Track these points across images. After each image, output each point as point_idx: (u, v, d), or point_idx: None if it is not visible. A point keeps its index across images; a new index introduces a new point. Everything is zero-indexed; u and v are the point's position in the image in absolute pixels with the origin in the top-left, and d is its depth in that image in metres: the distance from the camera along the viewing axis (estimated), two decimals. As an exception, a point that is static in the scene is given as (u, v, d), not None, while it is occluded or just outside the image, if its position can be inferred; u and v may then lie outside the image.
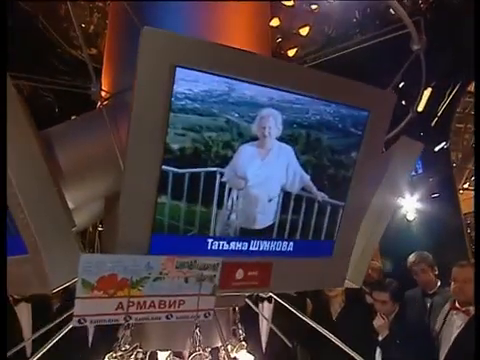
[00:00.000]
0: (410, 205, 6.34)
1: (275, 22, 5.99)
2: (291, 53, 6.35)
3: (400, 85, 5.65)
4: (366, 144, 1.64)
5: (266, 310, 3.80)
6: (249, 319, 2.92)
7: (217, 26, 1.87)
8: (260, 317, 3.66)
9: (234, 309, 1.95)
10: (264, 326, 3.79)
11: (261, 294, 3.57)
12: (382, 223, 1.99)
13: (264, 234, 1.58)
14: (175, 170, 1.38)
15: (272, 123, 1.46)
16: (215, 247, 1.50)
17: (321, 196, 1.62)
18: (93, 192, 1.86)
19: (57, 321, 1.93)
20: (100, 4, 5.40)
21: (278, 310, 3.61)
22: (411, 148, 2.08)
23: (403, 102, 5.79)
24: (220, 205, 1.48)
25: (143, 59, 1.25)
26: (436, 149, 6.90)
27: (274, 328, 3.08)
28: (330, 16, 6.04)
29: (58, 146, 1.67)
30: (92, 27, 5.53)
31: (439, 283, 3.64)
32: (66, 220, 1.45)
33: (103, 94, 2.22)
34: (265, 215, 1.56)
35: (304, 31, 6.26)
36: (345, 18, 6.03)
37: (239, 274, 1.55)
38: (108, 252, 1.45)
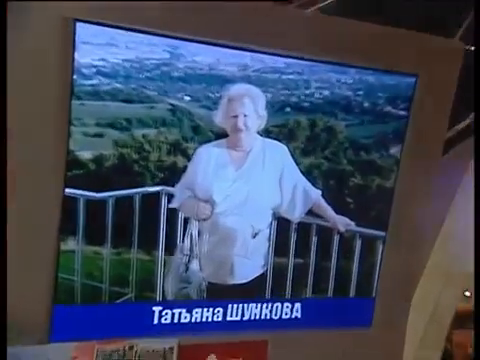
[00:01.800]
0: None
1: None
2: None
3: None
4: (417, 131, 1.59)
5: None
6: None
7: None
8: None
9: None
10: None
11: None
12: (465, 259, 1.90)
13: (250, 292, 1.52)
14: (89, 194, 1.34)
15: (248, 108, 1.41)
16: (166, 319, 1.45)
17: (344, 223, 1.57)
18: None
19: None
20: None
21: None
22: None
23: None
24: (170, 248, 1.43)
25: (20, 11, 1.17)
26: None
27: None
28: None
29: None
30: None
31: None
32: None
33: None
34: (249, 260, 1.51)
35: None
36: None
37: (211, 364, 1.51)
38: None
